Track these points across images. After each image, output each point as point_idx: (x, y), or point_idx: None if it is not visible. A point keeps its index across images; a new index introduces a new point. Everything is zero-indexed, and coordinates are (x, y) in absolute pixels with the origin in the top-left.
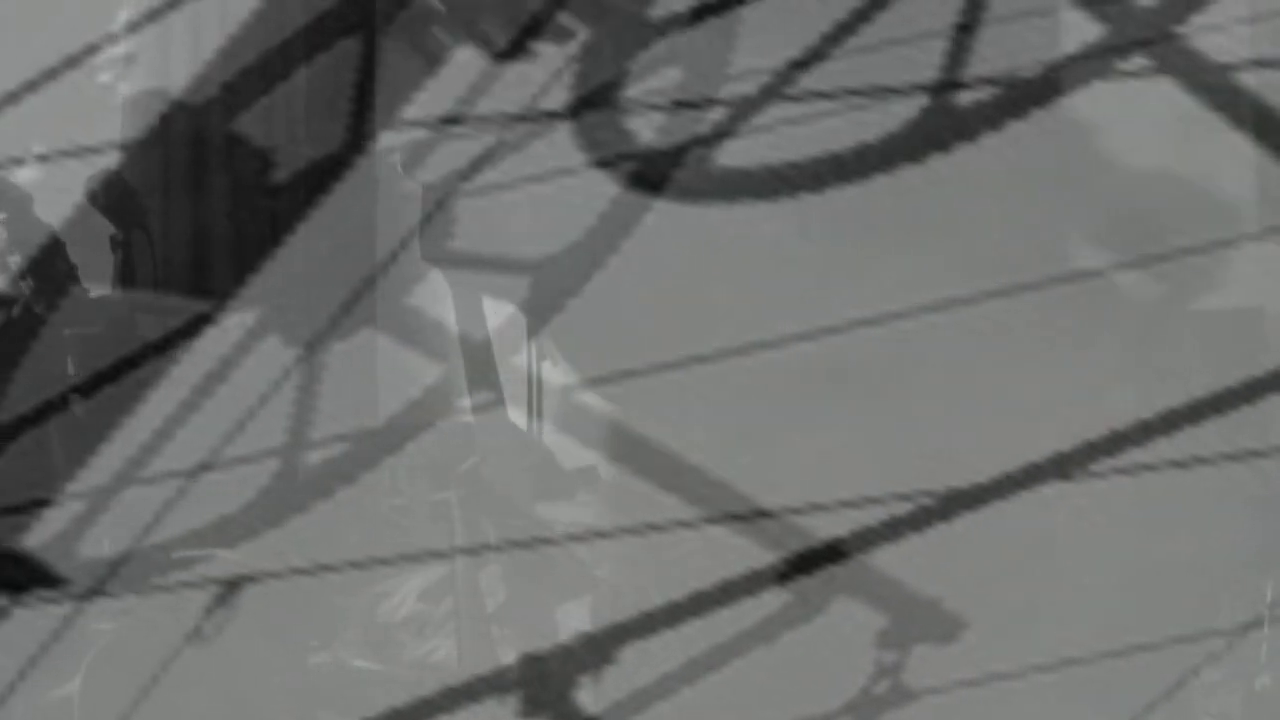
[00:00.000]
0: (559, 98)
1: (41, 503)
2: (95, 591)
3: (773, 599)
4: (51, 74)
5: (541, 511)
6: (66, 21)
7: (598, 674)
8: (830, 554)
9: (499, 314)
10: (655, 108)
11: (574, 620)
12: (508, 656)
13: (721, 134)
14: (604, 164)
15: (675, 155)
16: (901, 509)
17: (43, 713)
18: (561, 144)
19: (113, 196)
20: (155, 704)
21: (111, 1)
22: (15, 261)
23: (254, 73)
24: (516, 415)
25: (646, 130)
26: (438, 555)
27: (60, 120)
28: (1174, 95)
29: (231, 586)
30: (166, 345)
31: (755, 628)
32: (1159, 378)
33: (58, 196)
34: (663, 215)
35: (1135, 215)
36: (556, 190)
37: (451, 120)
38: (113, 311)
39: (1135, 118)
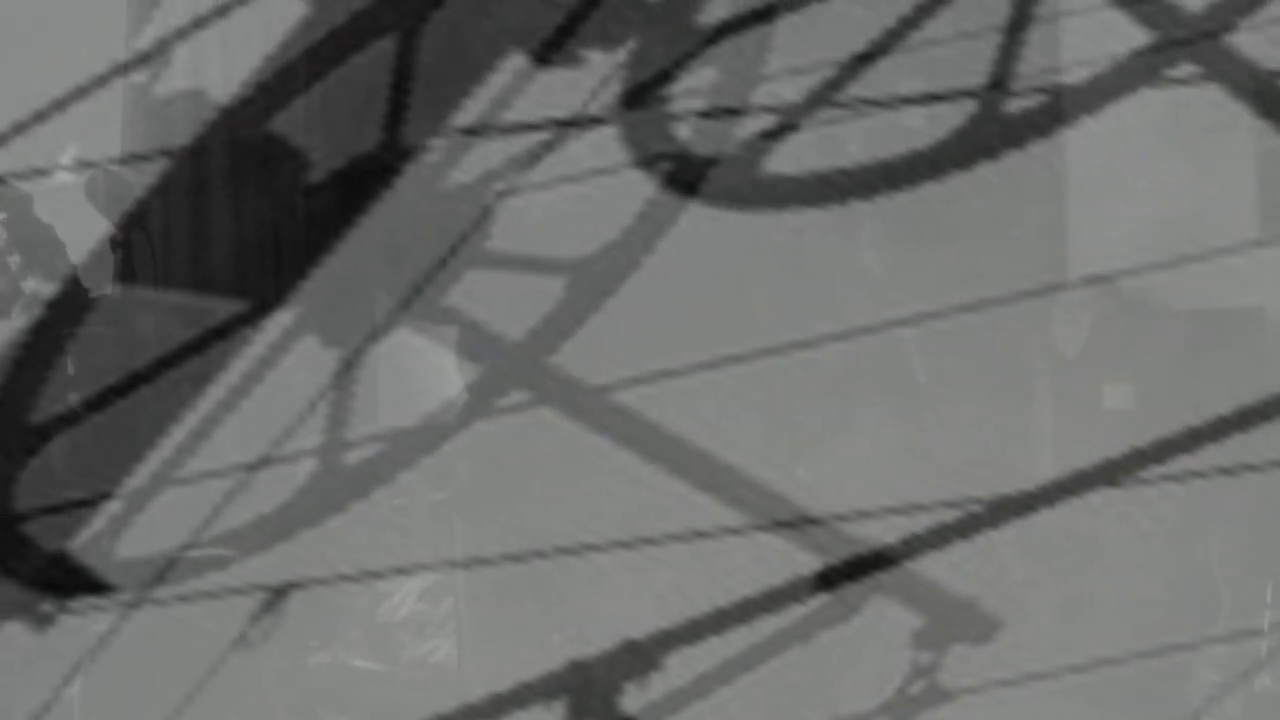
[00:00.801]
0: (607, 104)
1: (79, 503)
2: (142, 599)
3: (791, 589)
4: (102, 80)
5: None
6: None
7: (644, 680)
8: (877, 561)
9: (530, 319)
10: (705, 115)
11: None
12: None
13: (769, 140)
14: (646, 165)
15: (711, 157)
16: (949, 516)
17: (42, 713)
18: (599, 145)
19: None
20: (156, 704)
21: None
22: (15, 261)
23: (290, 73)
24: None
25: (686, 132)
26: (511, 559)
27: (97, 121)
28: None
29: (278, 594)
30: (203, 345)
31: (792, 628)
32: (1207, 382)
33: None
34: (699, 215)
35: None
36: (593, 190)
37: (498, 127)
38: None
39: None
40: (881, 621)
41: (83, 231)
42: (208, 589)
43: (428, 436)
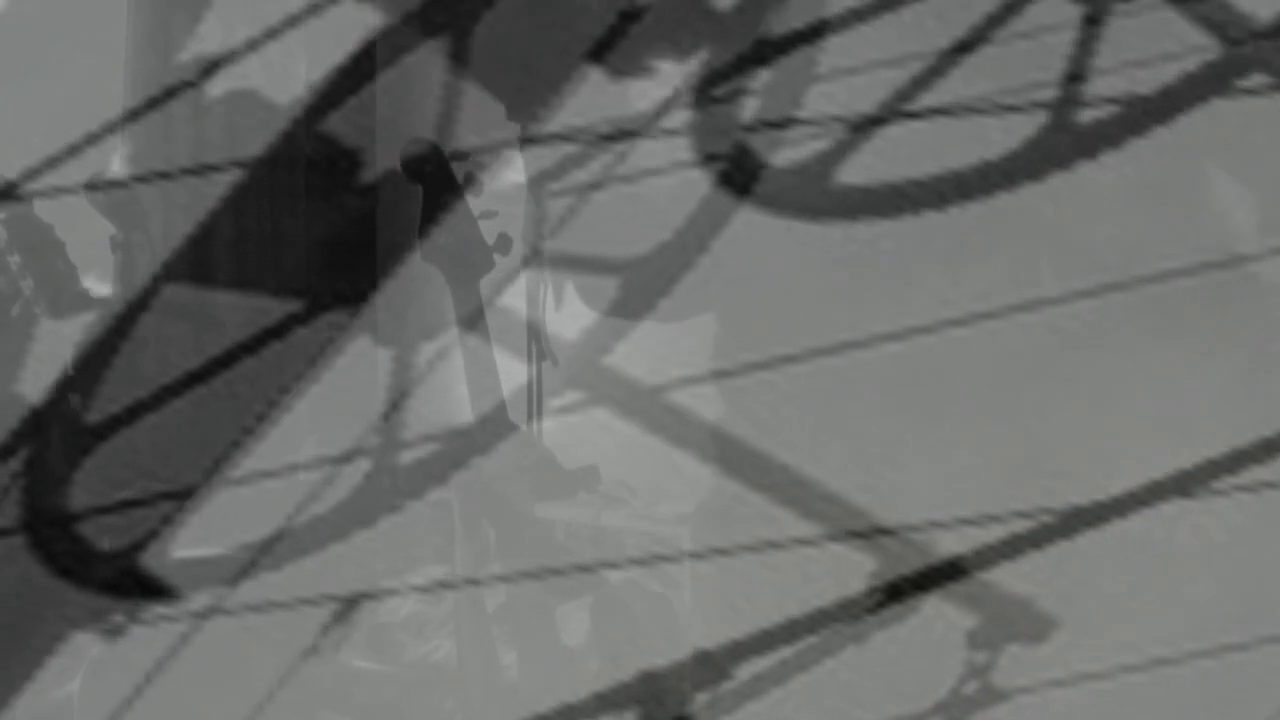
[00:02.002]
0: (679, 114)
1: (131, 503)
2: (215, 609)
3: (864, 599)
4: (172, 92)
5: (542, 511)
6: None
7: (715, 691)
8: (951, 571)
9: (586, 316)
10: (774, 125)
11: (575, 621)
12: (508, 656)
13: (843, 150)
14: (699, 165)
15: (759, 156)
16: (1022, 526)
17: (43, 713)
18: (650, 146)
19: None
20: (157, 705)
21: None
22: (15, 262)
23: (342, 73)
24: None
25: (754, 140)
26: (583, 568)
27: (146, 123)
28: None
29: (350, 604)
30: (257, 344)
31: (846, 627)
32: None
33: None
34: (752, 216)
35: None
36: (646, 190)
37: (573, 136)
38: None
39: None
40: (936, 621)
41: (83, 232)
42: (278, 598)
43: (483, 437)
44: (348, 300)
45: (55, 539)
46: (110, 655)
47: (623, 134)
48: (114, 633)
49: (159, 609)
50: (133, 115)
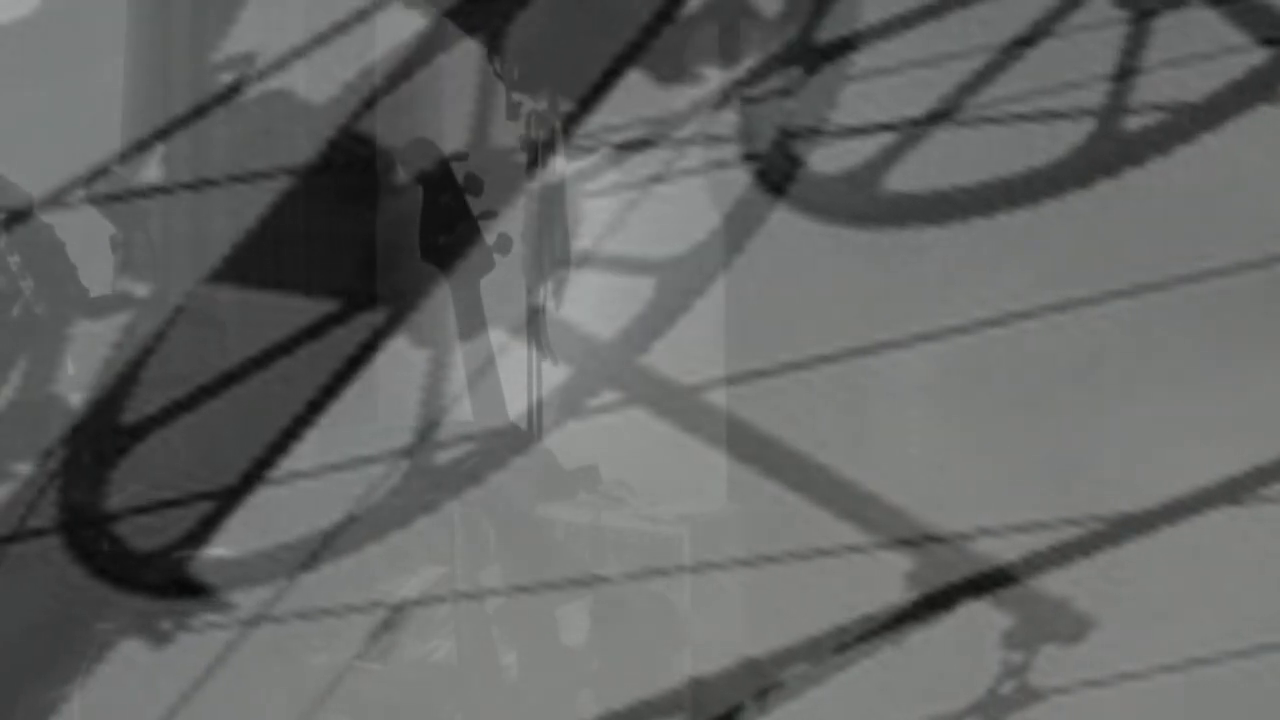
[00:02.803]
0: (726, 120)
1: (169, 504)
2: (262, 616)
3: (901, 599)
4: (231, 92)
5: (542, 511)
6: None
7: (763, 697)
8: (1000, 579)
9: (624, 314)
10: (818, 132)
11: (575, 621)
12: (508, 656)
13: (890, 158)
14: (732, 164)
15: (795, 155)
16: (1070, 534)
17: (43, 713)
18: (681, 140)
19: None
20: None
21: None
22: (15, 262)
23: (377, 72)
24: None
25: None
26: (629, 576)
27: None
28: None
29: (397, 610)
30: (293, 345)
31: (883, 628)
32: None
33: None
34: (787, 216)
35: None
36: (681, 191)
37: (624, 143)
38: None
39: None
40: (972, 621)
41: (85, 233)
42: (326, 605)
43: (519, 437)
44: (384, 301)
45: (92, 539)
46: (106, 659)
47: (655, 135)
48: (161, 639)
49: (207, 615)
50: (181, 121)
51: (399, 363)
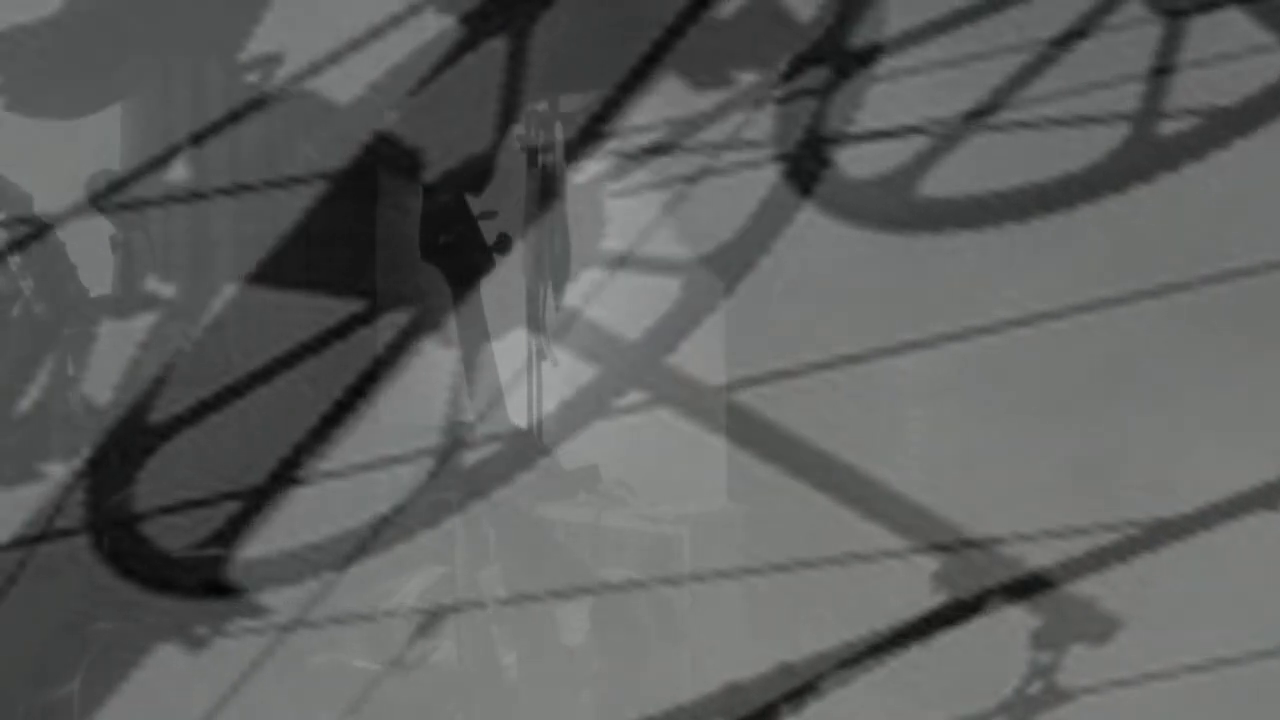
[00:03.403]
0: (762, 126)
1: (196, 503)
2: (300, 622)
3: (929, 600)
4: (258, 103)
5: (542, 511)
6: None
7: (799, 703)
8: (1037, 584)
9: (652, 313)
10: (849, 136)
11: (575, 621)
12: (508, 657)
13: (925, 162)
14: (760, 163)
15: (824, 156)
16: (1105, 538)
17: (43, 713)
18: (714, 146)
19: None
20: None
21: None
22: (16, 262)
23: (402, 72)
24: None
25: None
26: (669, 582)
27: (209, 119)
28: None
29: (434, 616)
30: (321, 345)
31: (910, 627)
32: None
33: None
34: (814, 215)
35: None
36: (710, 190)
37: (658, 149)
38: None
39: None
40: (1000, 621)
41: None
42: (362, 611)
43: (548, 437)
44: (409, 300)
45: (120, 539)
46: (107, 660)
47: (683, 137)
48: (197, 645)
49: (243, 621)
50: (225, 124)
51: (431, 363)
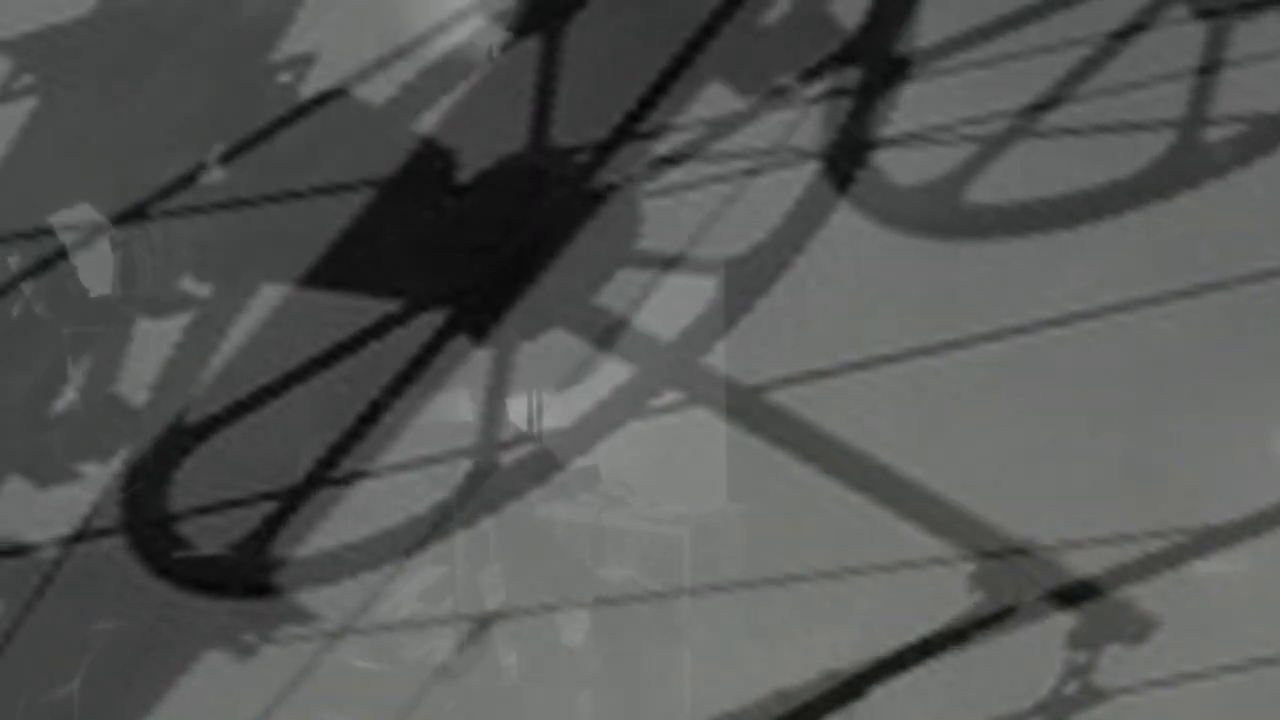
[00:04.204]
0: (809, 133)
1: (232, 503)
2: (347, 628)
3: (964, 599)
4: (300, 111)
5: (542, 511)
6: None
7: (849, 710)
8: (1086, 591)
9: (684, 316)
10: (895, 143)
11: (574, 621)
12: (508, 657)
13: (972, 169)
14: (794, 162)
15: (859, 156)
16: (1155, 546)
17: (43, 713)
18: (748, 145)
19: None
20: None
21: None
22: (15, 262)
23: (434, 72)
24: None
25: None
26: (717, 588)
27: (241, 120)
28: None
29: (482, 624)
30: (356, 345)
31: (946, 627)
32: None
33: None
34: (849, 214)
35: None
36: (740, 189)
37: (694, 149)
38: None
39: None
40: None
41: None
42: (412, 618)
43: (583, 437)
44: (444, 301)
45: (156, 539)
46: (107, 660)
47: (720, 136)
48: (245, 652)
49: (291, 628)
50: (266, 131)
51: (468, 363)
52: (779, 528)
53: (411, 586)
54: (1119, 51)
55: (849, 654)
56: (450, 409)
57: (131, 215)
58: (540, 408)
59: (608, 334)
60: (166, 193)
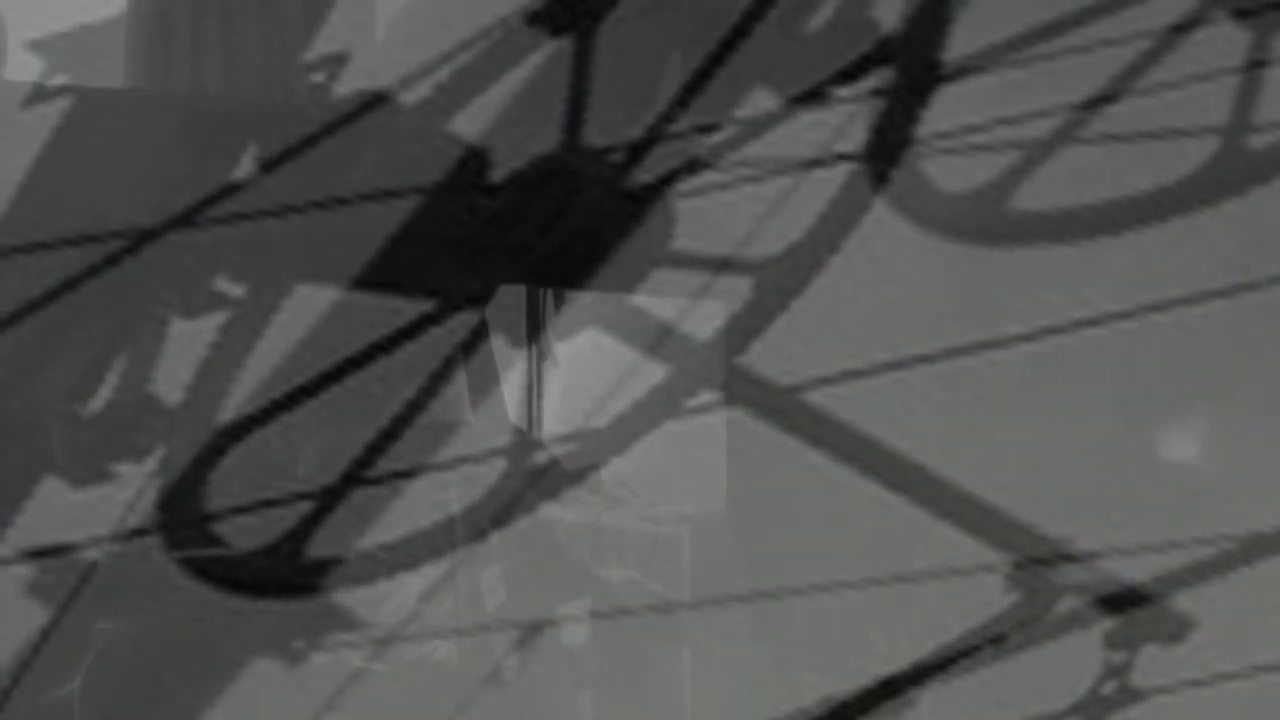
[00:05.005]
0: (854, 138)
1: (267, 503)
2: (395, 636)
3: (1001, 599)
4: (345, 120)
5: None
6: None
7: (897, 716)
8: (1134, 599)
9: (712, 315)
10: (945, 151)
11: (575, 621)
12: (508, 657)
13: (1017, 176)
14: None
15: (894, 157)
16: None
17: (43, 713)
18: (775, 144)
19: None
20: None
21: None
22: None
23: (468, 72)
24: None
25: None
26: (766, 595)
27: (271, 121)
28: None
29: (532, 630)
30: (391, 344)
31: (982, 627)
32: None
33: None
34: (884, 213)
35: None
36: (775, 190)
37: (727, 149)
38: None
39: None
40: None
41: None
42: (458, 625)
43: (618, 437)
44: (479, 300)
45: (191, 540)
46: (107, 660)
47: (751, 135)
48: (295, 659)
49: (340, 636)
50: (313, 138)
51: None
52: (779, 528)
53: (412, 587)
54: (1163, 56)
55: (895, 657)
56: (488, 410)
57: (178, 222)
58: (541, 410)
59: (643, 334)
60: (212, 200)
